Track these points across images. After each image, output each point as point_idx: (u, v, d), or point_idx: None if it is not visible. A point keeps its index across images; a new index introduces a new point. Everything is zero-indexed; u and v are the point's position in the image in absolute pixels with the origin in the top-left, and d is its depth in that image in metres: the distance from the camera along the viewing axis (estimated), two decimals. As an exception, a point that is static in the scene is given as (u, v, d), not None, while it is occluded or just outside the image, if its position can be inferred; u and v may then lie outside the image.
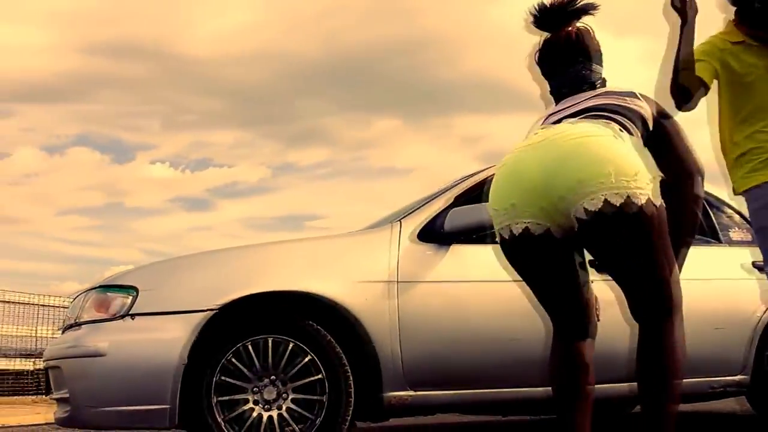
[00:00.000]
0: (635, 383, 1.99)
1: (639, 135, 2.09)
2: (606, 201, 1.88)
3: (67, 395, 3.02)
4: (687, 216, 2.20)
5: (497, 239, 2.13)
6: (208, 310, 2.97)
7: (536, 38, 2.36)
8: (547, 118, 2.25)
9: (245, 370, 2.97)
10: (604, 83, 2.29)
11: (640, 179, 1.90)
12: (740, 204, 2.85)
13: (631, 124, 2.09)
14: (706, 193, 3.80)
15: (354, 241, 3.47)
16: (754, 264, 3.75)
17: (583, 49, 2.27)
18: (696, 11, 2.65)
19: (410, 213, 3.42)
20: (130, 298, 3.01)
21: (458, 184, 3.55)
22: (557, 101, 2.29)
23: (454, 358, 3.20)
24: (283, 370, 3.00)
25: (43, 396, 8.04)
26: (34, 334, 9.02)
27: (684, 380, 1.99)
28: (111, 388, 2.91)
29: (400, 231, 3.30)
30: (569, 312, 2.09)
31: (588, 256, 2.11)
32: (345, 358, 3.04)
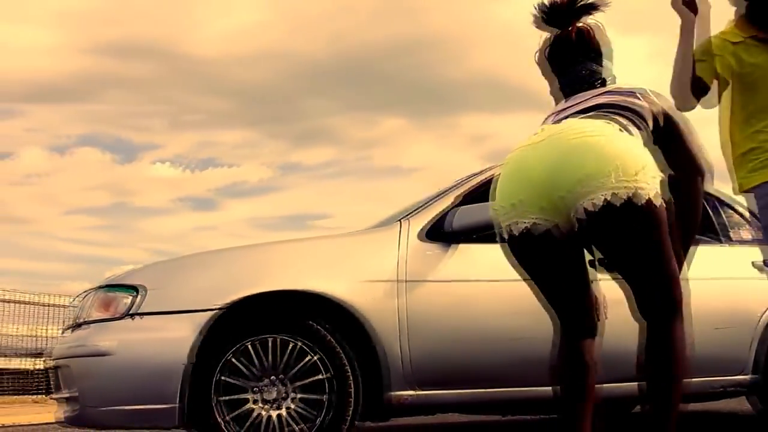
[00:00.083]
0: (638, 382, 2.00)
1: (645, 132, 2.10)
2: (606, 201, 1.88)
3: (74, 394, 3.02)
4: (693, 213, 2.20)
5: (497, 239, 2.13)
6: (213, 309, 2.97)
7: (544, 34, 2.35)
8: (552, 116, 2.25)
9: (251, 369, 2.97)
10: (613, 80, 2.28)
11: (642, 177, 1.90)
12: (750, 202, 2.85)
13: (637, 121, 2.10)
14: (713, 191, 3.81)
15: (360, 240, 3.48)
16: (753, 264, 3.75)
17: (591, 46, 2.27)
18: (709, 6, 2.64)
19: (416, 212, 3.42)
20: (136, 297, 3.02)
21: (464, 182, 3.55)
22: (565, 98, 2.30)
23: (459, 357, 3.21)
24: (288, 370, 3.01)
25: (44, 395, 8.05)
26: (35, 334, 9.02)
27: (685, 380, 2.00)
28: (117, 387, 2.92)
29: (408, 230, 3.31)
30: (574, 310, 2.09)
31: (596, 254, 2.12)
32: (349, 357, 3.05)
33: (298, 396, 3.01)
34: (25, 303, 8.98)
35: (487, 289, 3.28)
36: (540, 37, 2.36)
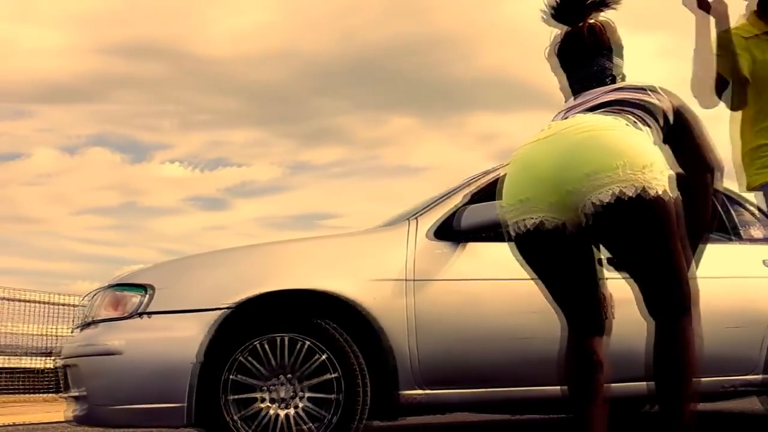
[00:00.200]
0: (648, 381, 1.98)
1: (654, 129, 2.08)
2: (615, 194, 1.87)
3: (83, 393, 3.03)
4: (704, 211, 2.19)
5: (505, 237, 2.12)
6: (222, 308, 2.97)
7: (554, 30, 2.33)
8: (562, 113, 2.24)
9: (260, 369, 2.97)
10: (623, 78, 2.27)
11: (650, 171, 1.89)
12: (759, 200, 2.83)
13: (646, 117, 2.08)
14: (723, 188, 3.79)
15: (369, 239, 3.47)
16: (765, 262, 3.73)
17: (603, 43, 2.26)
18: (726, 5, 2.62)
19: (425, 210, 3.40)
20: (145, 296, 3.02)
21: (473, 181, 3.54)
22: (575, 95, 2.28)
23: (469, 356, 3.20)
24: (298, 369, 3.01)
25: (55, 394, 8.09)
26: (46, 333, 9.07)
27: (696, 379, 1.98)
28: (126, 386, 2.92)
29: (416, 229, 3.30)
30: (583, 308, 2.08)
31: (605, 253, 2.11)
32: (360, 356, 3.04)
33: (308, 395, 3.01)
34: (35, 302, 9.04)
35: (497, 287, 3.27)
36: (551, 33, 2.35)
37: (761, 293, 3.72)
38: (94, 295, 3.27)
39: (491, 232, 3.17)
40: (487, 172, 3.56)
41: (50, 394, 8.56)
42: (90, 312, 3.19)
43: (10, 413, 6.42)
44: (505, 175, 2.13)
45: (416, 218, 3.36)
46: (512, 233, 2.07)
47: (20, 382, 9.06)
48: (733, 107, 2.74)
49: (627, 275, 2.03)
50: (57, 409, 5.60)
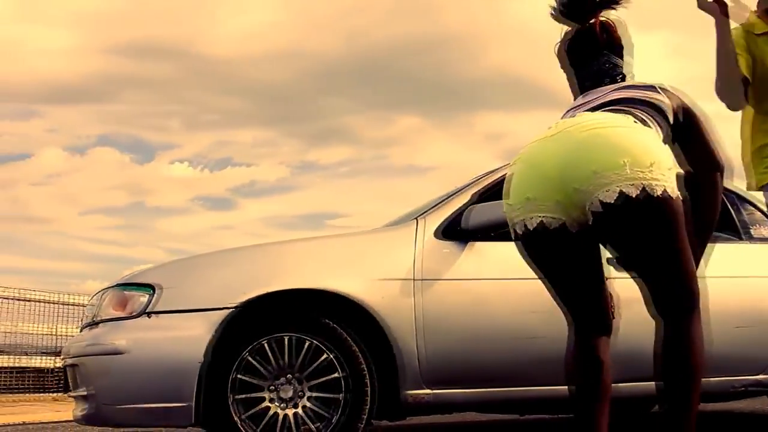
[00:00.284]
0: (655, 381, 1.96)
1: (660, 127, 2.07)
2: (621, 192, 1.86)
3: (90, 392, 3.03)
4: (712, 210, 2.17)
5: (512, 234, 2.11)
6: (227, 308, 2.97)
7: (564, 27, 2.32)
8: (570, 111, 2.22)
9: (267, 368, 2.97)
10: (632, 77, 2.25)
11: (656, 169, 1.87)
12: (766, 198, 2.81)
13: (650, 116, 2.06)
14: (733, 187, 3.76)
15: (375, 238, 3.47)
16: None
17: (610, 41, 2.24)
18: (748, 9, 2.60)
19: (432, 210, 3.39)
20: (152, 296, 3.02)
21: (480, 180, 3.53)
22: (584, 92, 2.26)
23: (474, 356, 3.18)
24: (302, 368, 3.00)
25: (63, 393, 8.12)
26: (55, 332, 9.11)
27: (705, 380, 1.96)
28: (131, 385, 2.92)
29: (423, 228, 3.29)
30: (588, 308, 2.06)
31: (607, 254, 2.09)
32: (365, 356, 3.03)
33: (314, 395, 3.00)
34: (44, 302, 9.07)
35: (503, 287, 3.25)
36: (561, 30, 2.33)
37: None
38: (102, 294, 3.27)
39: (498, 231, 3.15)
40: (493, 172, 3.54)
41: (59, 393, 8.59)
42: (96, 311, 3.19)
43: (20, 412, 6.45)
44: (511, 173, 2.11)
45: (423, 218, 3.35)
46: (518, 232, 2.06)
47: (30, 382, 9.11)
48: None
49: (633, 274, 2.02)
50: (66, 408, 5.62)
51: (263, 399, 2.97)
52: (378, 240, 3.43)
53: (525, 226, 2.02)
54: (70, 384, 3.34)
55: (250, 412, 2.93)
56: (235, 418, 2.91)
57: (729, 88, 2.61)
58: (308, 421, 2.97)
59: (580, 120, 2.01)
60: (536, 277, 2.19)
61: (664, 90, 2.13)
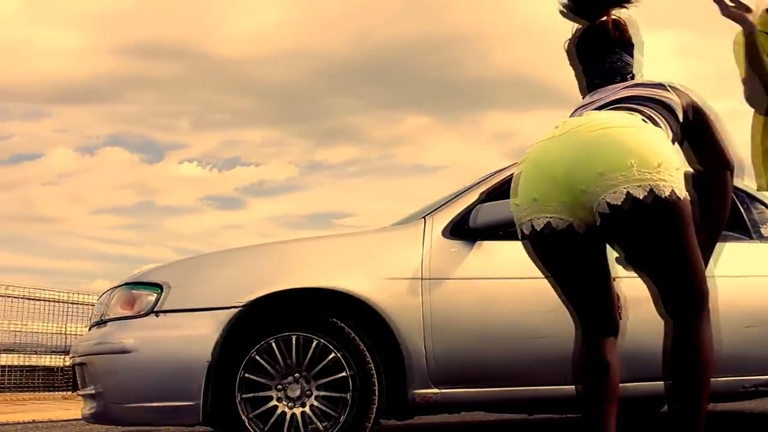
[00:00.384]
0: (665, 381, 1.95)
1: (667, 126, 2.05)
2: (628, 194, 1.84)
3: (95, 391, 3.04)
4: (722, 209, 2.15)
5: (519, 234, 2.10)
6: (235, 307, 2.97)
7: (575, 24, 2.30)
8: (579, 110, 2.21)
9: (274, 367, 2.97)
10: (642, 75, 2.23)
11: (664, 170, 1.86)
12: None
13: (659, 114, 2.05)
14: (744, 186, 3.74)
15: (382, 237, 3.46)
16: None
17: (622, 39, 2.23)
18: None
19: (439, 209, 3.38)
20: (159, 295, 3.03)
21: (488, 179, 3.51)
22: (591, 90, 2.25)
23: (481, 355, 3.17)
24: (310, 367, 3.00)
25: (73, 392, 8.16)
26: (64, 331, 9.16)
27: (715, 379, 1.95)
28: (139, 384, 2.93)
29: (432, 227, 3.28)
30: (594, 308, 2.05)
31: (614, 253, 2.08)
32: (371, 355, 3.03)
33: (321, 394, 3.00)
34: (54, 301, 9.12)
35: (511, 286, 3.24)
36: (572, 27, 2.32)
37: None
38: (111, 293, 3.27)
39: (506, 230, 3.13)
40: (501, 171, 3.53)
41: (68, 392, 8.63)
42: (104, 310, 3.19)
43: (30, 410, 6.48)
44: (519, 172, 2.10)
45: (431, 217, 3.34)
46: (525, 232, 2.05)
47: (39, 380, 9.16)
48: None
49: (641, 273, 2.00)
50: (75, 407, 5.65)
51: (271, 398, 2.97)
52: (386, 239, 3.43)
53: (532, 226, 2.01)
54: (79, 383, 3.36)
55: (258, 411, 2.93)
56: (243, 417, 2.91)
57: (760, 97, 2.60)
58: (316, 420, 2.97)
59: (588, 120, 2.00)
60: (543, 276, 2.18)
61: (673, 88, 2.12)
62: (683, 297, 1.92)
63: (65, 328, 9.16)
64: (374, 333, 3.08)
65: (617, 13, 2.26)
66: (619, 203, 1.85)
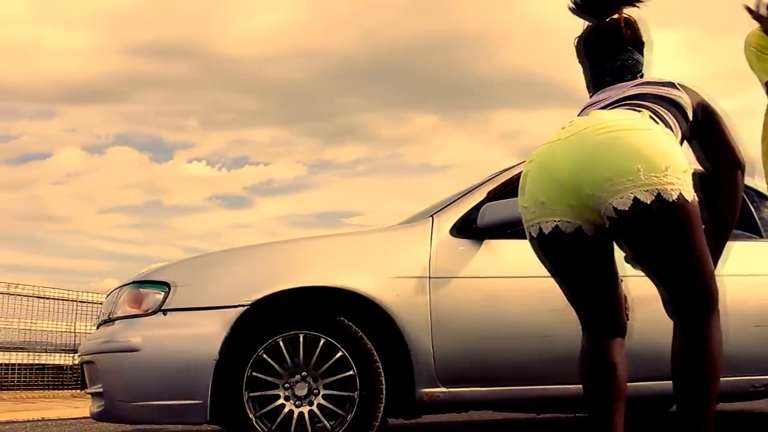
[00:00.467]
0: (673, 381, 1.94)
1: (675, 125, 2.04)
2: (636, 199, 1.82)
3: (102, 390, 3.05)
4: (732, 209, 2.14)
5: (527, 235, 2.09)
6: (242, 305, 2.97)
7: (580, 23, 2.30)
8: (584, 109, 2.20)
9: (280, 366, 2.96)
10: (650, 74, 2.22)
11: (671, 173, 1.84)
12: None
13: (669, 113, 2.04)
14: (753, 185, 3.72)
15: (389, 236, 3.45)
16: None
17: (631, 38, 2.21)
18: None
19: (446, 208, 3.37)
20: (166, 293, 3.03)
21: (495, 178, 3.50)
22: (598, 89, 2.24)
23: (488, 354, 3.17)
24: (316, 366, 3.00)
25: (81, 390, 8.19)
26: (73, 330, 9.20)
27: (725, 379, 1.94)
28: (145, 383, 2.93)
29: (439, 226, 3.27)
30: (603, 309, 2.04)
31: (622, 253, 2.06)
32: (378, 354, 3.02)
33: (327, 392, 3.00)
34: (62, 300, 9.16)
35: (518, 285, 3.23)
36: (582, 24, 2.31)
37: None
38: (114, 292, 3.28)
39: (513, 229, 3.12)
40: (508, 169, 3.52)
41: (77, 390, 8.67)
42: (112, 309, 3.20)
43: (39, 408, 6.51)
44: (526, 171, 2.09)
45: (438, 215, 3.33)
46: (533, 234, 2.04)
47: (48, 378, 9.20)
48: None
49: (649, 273, 1.99)
50: (83, 405, 5.67)
51: (278, 396, 2.96)
52: (393, 238, 3.42)
53: (540, 229, 2.00)
54: (87, 381, 3.36)
55: (265, 410, 2.93)
56: (250, 416, 2.91)
57: None
58: (323, 419, 2.96)
59: (594, 121, 1.97)
60: (549, 275, 2.17)
61: (682, 87, 2.11)
62: (693, 299, 1.90)
63: (74, 326, 9.20)
64: (381, 332, 3.07)
65: (627, 11, 2.25)
66: (627, 208, 1.84)
